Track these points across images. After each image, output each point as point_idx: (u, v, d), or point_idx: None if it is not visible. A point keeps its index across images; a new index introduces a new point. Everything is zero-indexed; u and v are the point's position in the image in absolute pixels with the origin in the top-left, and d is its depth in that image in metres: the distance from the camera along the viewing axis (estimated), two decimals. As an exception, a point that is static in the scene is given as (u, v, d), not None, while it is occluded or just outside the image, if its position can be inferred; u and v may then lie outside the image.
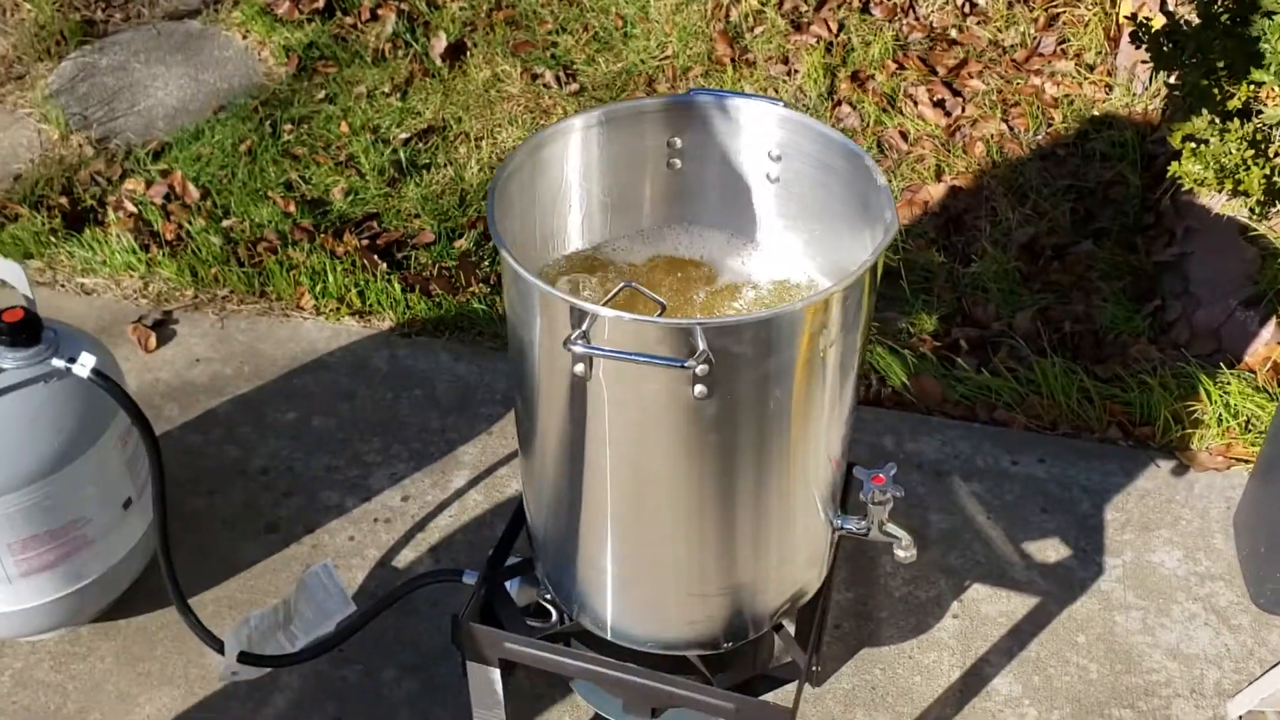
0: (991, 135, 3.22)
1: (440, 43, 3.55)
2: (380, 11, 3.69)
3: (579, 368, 1.27)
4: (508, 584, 1.72)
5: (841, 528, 1.58)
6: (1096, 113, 3.25)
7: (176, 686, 2.04)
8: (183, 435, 2.52)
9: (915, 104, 3.35)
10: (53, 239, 2.92)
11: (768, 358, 1.24)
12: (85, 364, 1.81)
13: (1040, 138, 3.23)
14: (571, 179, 1.48)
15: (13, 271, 1.89)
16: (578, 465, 1.39)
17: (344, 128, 3.29)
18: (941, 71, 3.45)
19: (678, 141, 1.53)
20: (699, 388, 1.24)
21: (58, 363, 1.82)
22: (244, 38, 3.66)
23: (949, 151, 3.20)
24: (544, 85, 3.46)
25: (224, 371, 2.66)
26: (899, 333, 2.78)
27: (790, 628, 1.66)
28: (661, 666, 1.56)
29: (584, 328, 1.22)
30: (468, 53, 3.58)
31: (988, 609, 2.20)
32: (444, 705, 2.01)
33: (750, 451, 1.34)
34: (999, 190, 3.08)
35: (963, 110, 3.32)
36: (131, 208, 3.02)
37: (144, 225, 2.98)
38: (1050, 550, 2.31)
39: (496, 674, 1.63)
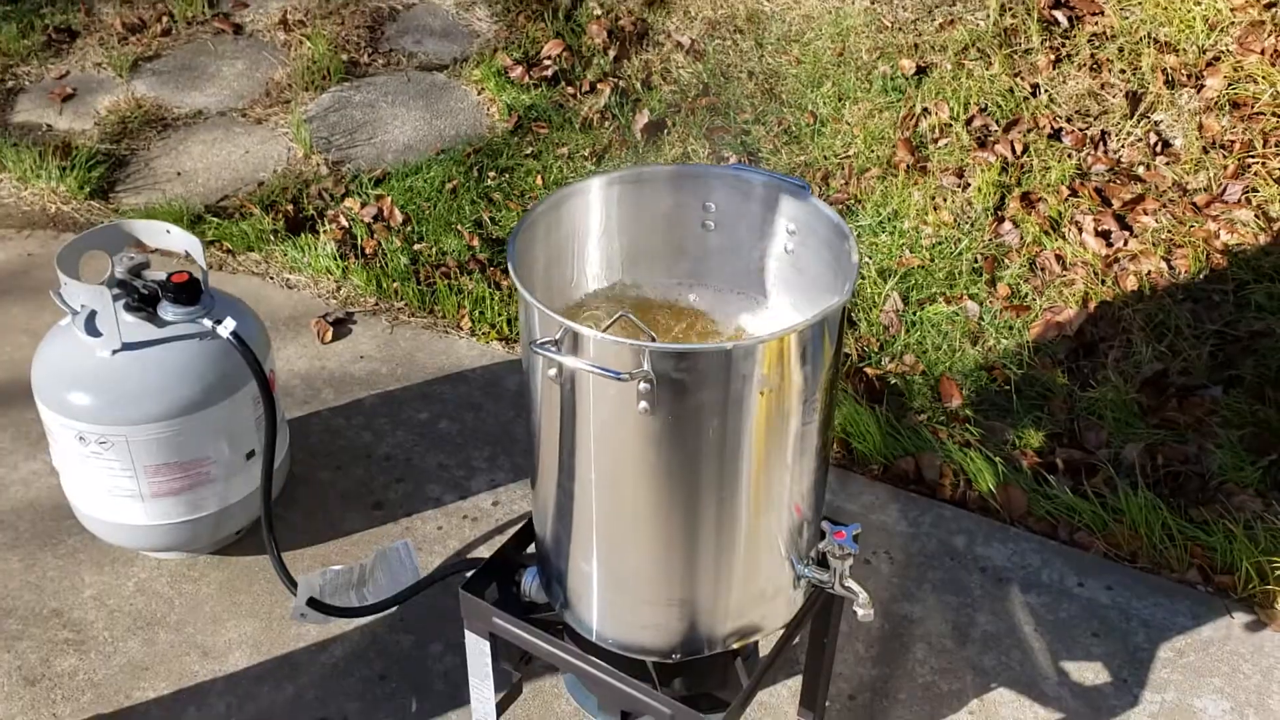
0: (1148, 272, 3.23)
1: (643, 119, 3.88)
2: (600, 86, 4.06)
3: (552, 372, 1.49)
4: (528, 576, 1.92)
5: (807, 576, 1.71)
6: (1264, 266, 3.20)
7: (259, 619, 2.36)
8: (331, 416, 2.88)
9: (1080, 231, 3.39)
10: (273, 238, 3.40)
11: (703, 388, 1.42)
12: (227, 327, 2.18)
13: (1200, 281, 3.21)
14: (598, 228, 1.72)
15: (193, 245, 2.29)
16: (552, 466, 1.60)
17: (539, 181, 3.65)
18: (1115, 204, 3.47)
19: (712, 206, 1.74)
20: (643, 404, 1.43)
21: (206, 322, 2.20)
22: (479, 94, 4.11)
23: (1100, 281, 3.23)
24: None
25: (380, 370, 3.03)
26: (1003, 443, 2.83)
27: (743, 671, 1.79)
28: (627, 669, 1.73)
29: (555, 336, 1.44)
30: (665, 130, 3.89)
31: (1006, 712, 2.23)
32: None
33: (698, 473, 1.50)
34: (1139, 324, 3.08)
35: (1125, 244, 3.34)
36: (344, 222, 3.47)
37: (349, 238, 3.42)
38: (1089, 673, 2.31)
39: (486, 646, 1.84)
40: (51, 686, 2.22)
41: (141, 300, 2.21)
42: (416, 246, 3.39)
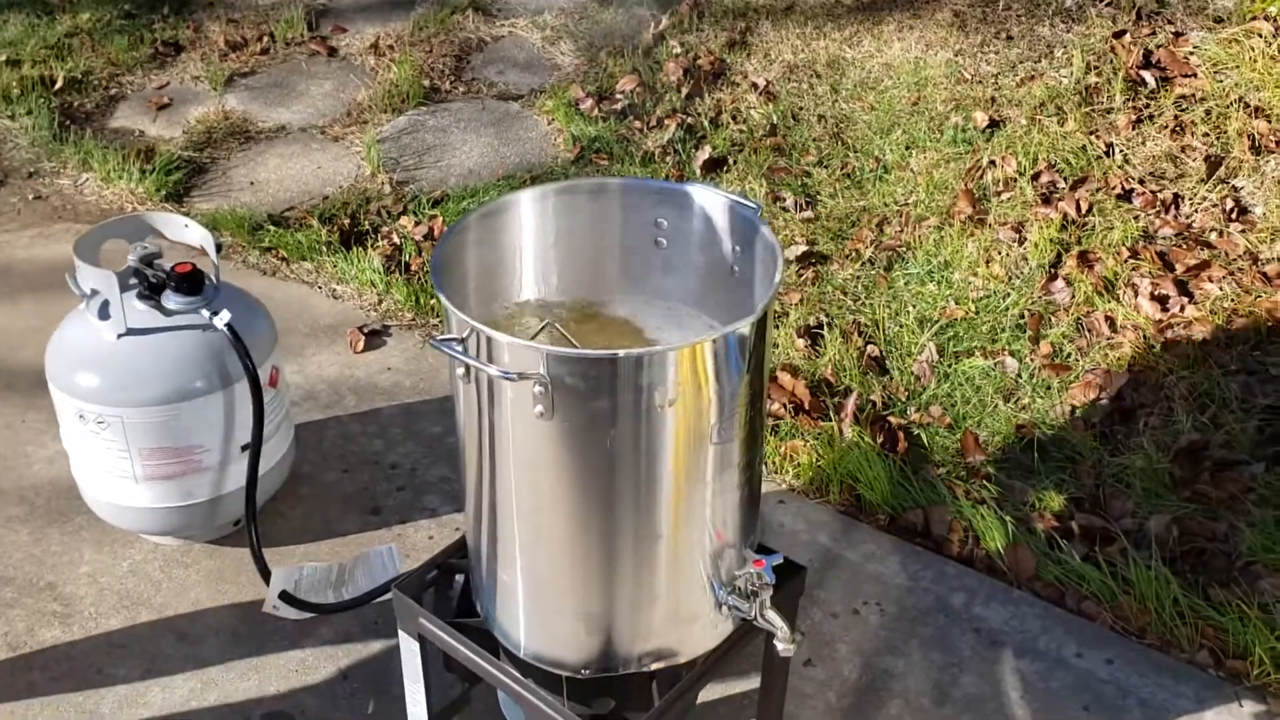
0: (1202, 339, 3.08)
1: (703, 155, 3.89)
2: (667, 121, 4.09)
3: (460, 371, 1.50)
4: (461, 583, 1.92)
5: (727, 603, 1.67)
6: (1330, 340, 3.02)
7: (240, 610, 2.41)
8: (348, 422, 2.94)
9: (1135, 294, 3.25)
10: (325, 249, 3.50)
11: (599, 396, 1.40)
12: (222, 318, 2.25)
13: (1255, 352, 3.04)
14: (540, 240, 1.73)
15: (207, 239, 2.37)
16: (477, 466, 1.60)
17: (590, 209, 3.68)
18: (1179, 269, 3.33)
19: (664, 222, 1.73)
20: (539, 407, 1.42)
21: (204, 313, 2.27)
22: (548, 123, 4.18)
23: (1149, 347, 3.09)
24: (782, 208, 3.69)
25: (404, 383, 3.08)
26: (1022, 503, 2.72)
27: (660, 694, 1.75)
28: (546, 683, 1.71)
29: (462, 335, 1.45)
30: (725, 168, 3.89)
31: (973, 780, 2.13)
32: (434, 692, 2.23)
33: (596, 482, 1.48)
34: (1182, 393, 2.93)
35: (1182, 310, 3.19)
36: (395, 239, 3.55)
37: (398, 254, 3.50)
38: (1072, 748, 2.19)
39: (416, 647, 1.84)
40: (31, 654, 2.30)
41: (150, 288, 2.30)
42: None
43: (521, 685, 1.68)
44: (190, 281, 2.27)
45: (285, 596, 2.31)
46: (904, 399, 3.03)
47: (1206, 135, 3.73)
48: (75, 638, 2.33)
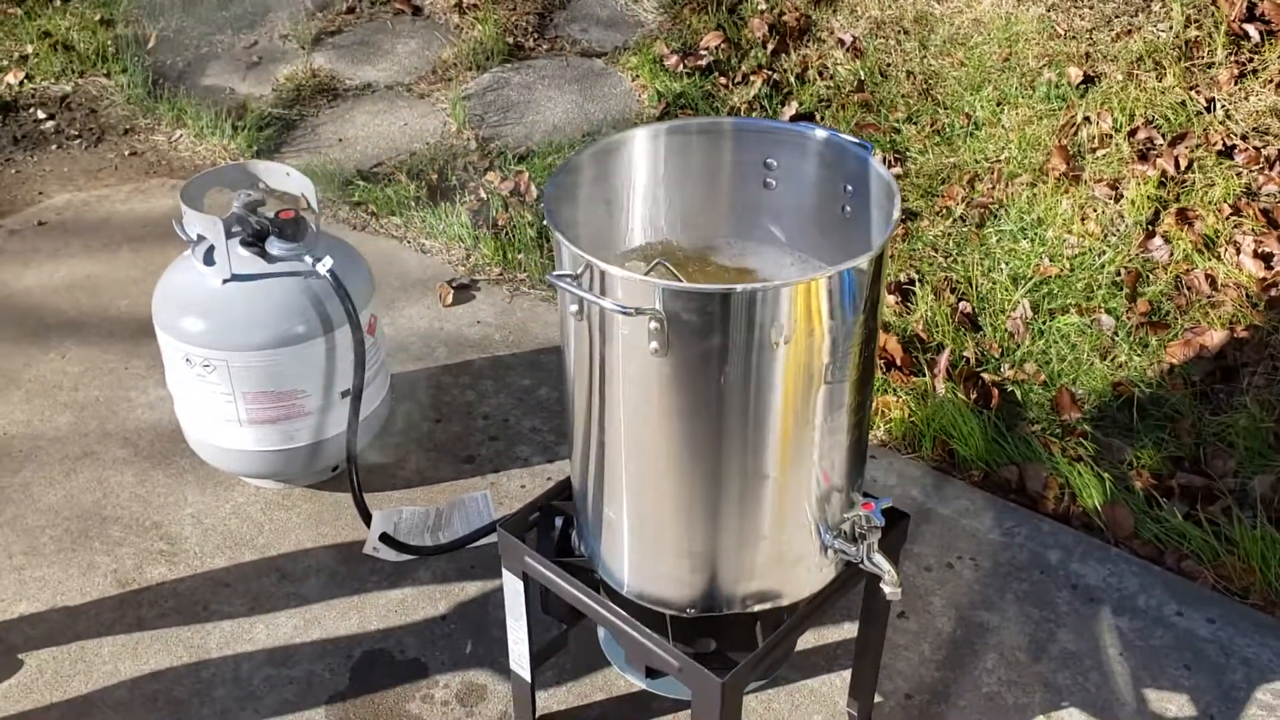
0: (1310, 298, 3.00)
1: (790, 110, 3.85)
2: (753, 77, 4.05)
3: (573, 308, 1.50)
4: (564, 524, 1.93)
5: (833, 547, 1.66)
6: None
7: (339, 551, 2.45)
8: (440, 373, 2.97)
9: (1238, 251, 3.17)
10: (414, 204, 3.53)
11: (713, 332, 1.40)
12: (324, 265, 2.28)
13: (1365, 311, 2.96)
14: (650, 179, 1.72)
15: (307, 187, 2.41)
16: (587, 407, 1.61)
17: (676, 165, 3.67)
18: (1283, 227, 3.24)
19: (774, 163, 1.72)
20: (653, 344, 1.42)
21: (307, 259, 2.30)
22: (632, 80, 4.17)
23: (1252, 306, 3.02)
24: (870, 165, 3.64)
25: (494, 336, 3.10)
26: (1119, 462, 2.68)
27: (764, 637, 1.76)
28: (650, 622, 1.72)
29: (576, 271, 1.45)
30: (813, 123, 3.84)
31: (1073, 733, 2.11)
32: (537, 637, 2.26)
33: (709, 420, 1.48)
34: (1288, 351, 2.86)
35: (1287, 268, 3.11)
36: (482, 194, 3.57)
37: (485, 209, 3.52)
38: (1172, 705, 2.16)
39: (520, 586, 1.86)
40: (140, 590, 2.36)
41: (253, 235, 2.33)
42: (546, 222, 3.45)
43: (626, 623, 1.69)
44: (294, 228, 2.31)
45: (385, 539, 2.35)
46: (997, 355, 2.99)
47: (1313, 90, 3.61)
48: (181, 575, 2.39)
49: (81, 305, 3.19)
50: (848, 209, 1.68)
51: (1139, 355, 2.95)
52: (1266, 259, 3.16)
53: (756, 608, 1.69)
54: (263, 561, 2.43)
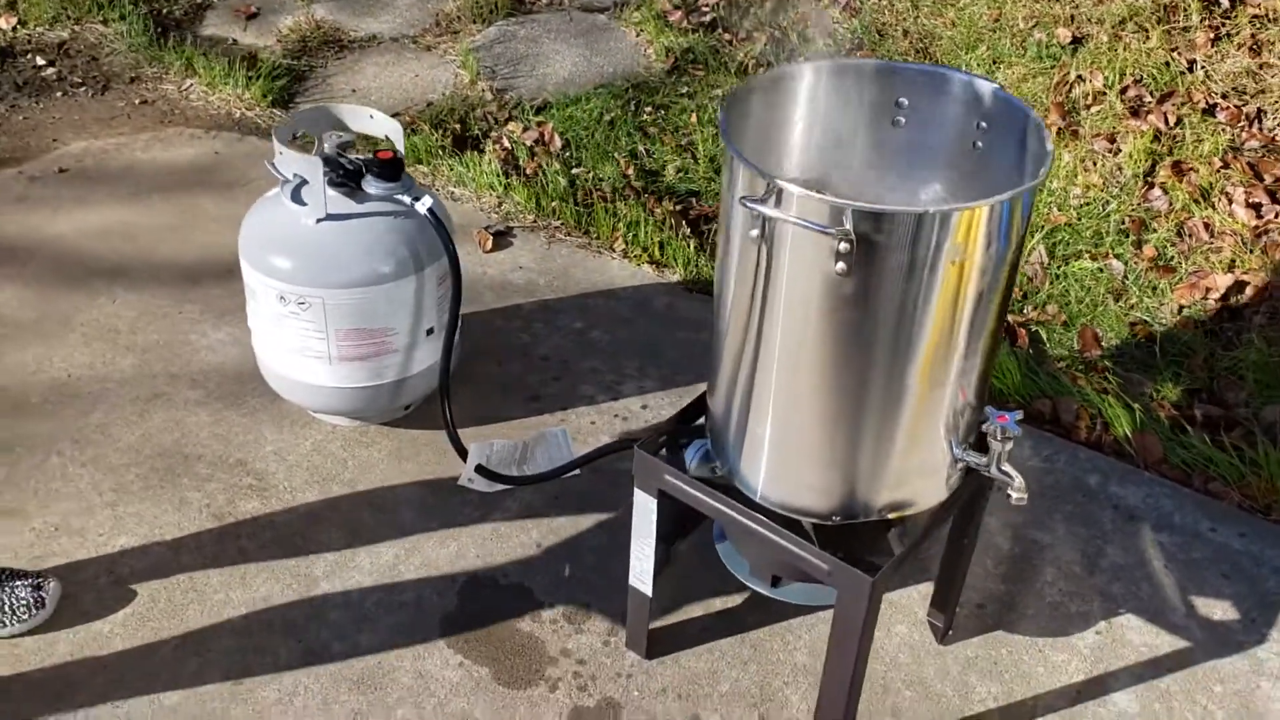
0: (1300, 244, 3.23)
1: (797, 67, 3.97)
2: (756, 34, 4.17)
3: (753, 232, 1.61)
4: (690, 450, 2.05)
5: (963, 458, 1.81)
6: None
7: (425, 485, 2.53)
8: (491, 318, 3.05)
9: (1230, 202, 3.40)
10: (440, 153, 3.58)
11: (900, 250, 1.53)
12: (424, 204, 2.35)
13: (1351, 256, 3.21)
14: (799, 114, 1.84)
15: (394, 129, 2.46)
16: (748, 328, 1.72)
17: (693, 119, 3.78)
18: (1268, 179, 3.47)
19: (904, 102, 1.84)
20: (840, 264, 1.54)
21: (405, 199, 2.36)
22: (636, 35, 4.25)
23: (1249, 251, 3.24)
24: (878, 119, 3.79)
25: (538, 281, 3.18)
26: (1141, 394, 2.88)
27: (896, 542, 1.90)
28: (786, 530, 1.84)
29: (759, 194, 1.56)
30: (819, 80, 3.98)
31: (1133, 636, 2.30)
32: (621, 559, 2.35)
33: (878, 338, 1.61)
34: (1287, 292, 3.09)
35: (1276, 217, 3.34)
36: (506, 144, 3.63)
37: (511, 159, 3.59)
38: (1217, 610, 2.36)
39: (654, 504, 1.97)
40: (237, 524, 2.41)
41: (346, 175, 2.38)
42: (574, 171, 3.54)
43: (772, 530, 1.82)
44: (392, 168, 2.36)
45: (481, 470, 2.44)
46: (1020, 298, 3.17)
47: (1285, 53, 3.85)
48: (274, 509, 2.45)
49: (122, 251, 3.18)
50: (979, 144, 1.81)
51: (1149, 297, 3.16)
52: (1257, 208, 3.39)
53: (891, 515, 1.83)
54: (353, 495, 2.49)
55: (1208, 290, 3.16)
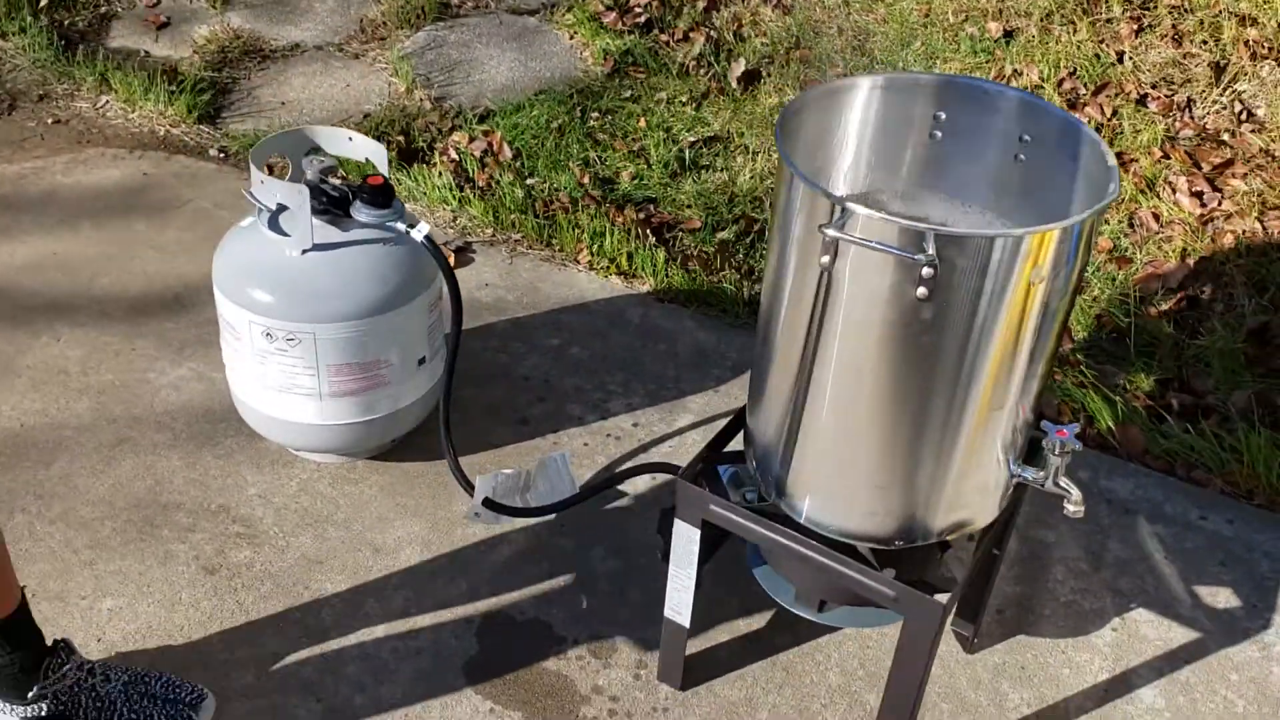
0: (1244, 231, 3.34)
1: (739, 68, 3.95)
2: (692, 34, 4.12)
3: (825, 259, 1.56)
4: (723, 473, 2.00)
5: (1020, 475, 1.80)
6: (1357, 228, 3.32)
7: (425, 520, 2.42)
8: (465, 339, 2.93)
9: (1174, 191, 3.49)
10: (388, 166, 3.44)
11: (984, 274, 1.50)
12: (421, 230, 2.24)
13: (1293, 241, 3.32)
14: (849, 130, 1.80)
15: (377, 152, 2.34)
16: (805, 352, 1.67)
17: (642, 123, 3.71)
18: (1205, 168, 3.58)
19: (942, 115, 1.82)
20: (921, 289, 1.50)
21: (400, 226, 2.25)
22: (570, 38, 4.16)
23: (1198, 238, 3.33)
24: (824, 118, 3.79)
25: (506, 297, 3.09)
26: (1115, 386, 2.93)
27: (952, 563, 1.88)
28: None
29: (838, 218, 1.51)
30: (761, 80, 3.96)
31: (1147, 631, 2.33)
32: (637, 585, 2.31)
33: (948, 360, 1.58)
34: (1240, 279, 3.19)
35: (1219, 205, 3.45)
36: (454, 155, 3.52)
37: (461, 171, 3.47)
38: (1221, 598, 2.42)
39: (697, 534, 1.91)
40: (231, 576, 2.27)
41: (331, 203, 2.26)
42: (529, 181, 3.45)
43: (832, 558, 1.78)
44: (384, 194, 2.25)
45: (489, 503, 2.34)
46: (986, 295, 3.20)
47: (1205, 43, 3.98)
48: (269, 557, 2.31)
49: (59, 285, 2.97)
50: (1022, 157, 1.80)
51: (1109, 289, 3.22)
52: (1199, 196, 3.49)
53: (950, 536, 1.81)
54: (350, 536, 2.37)
55: (1165, 279, 3.23)
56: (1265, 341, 3.03)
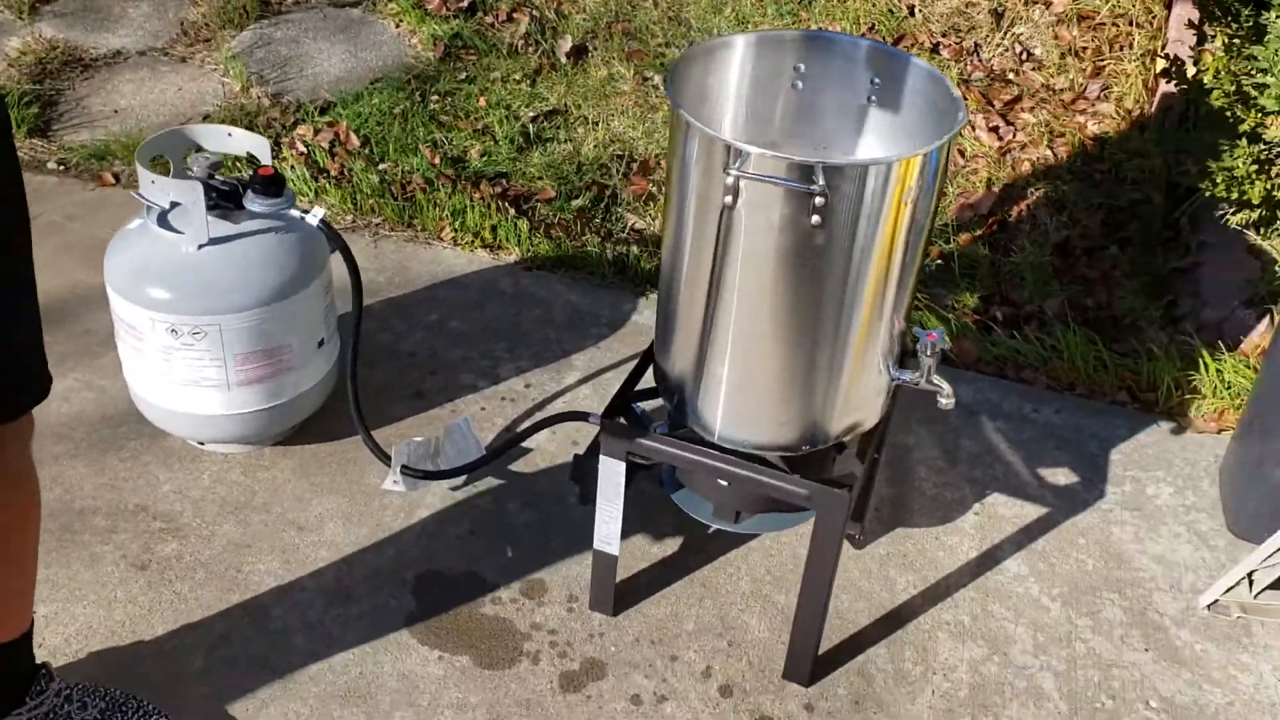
0: (1037, 159, 3.72)
1: (566, 44, 4.11)
2: (516, 15, 4.26)
3: (727, 199, 1.76)
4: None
5: (899, 378, 2.04)
6: (1131, 147, 3.75)
7: (342, 495, 2.52)
8: (345, 319, 3.02)
9: (974, 129, 3.85)
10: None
11: (863, 198, 1.72)
12: (315, 215, 2.33)
13: (1080, 163, 3.73)
14: (728, 85, 2.00)
15: (260, 144, 2.42)
16: (710, 287, 1.87)
17: (482, 102, 3.84)
18: (998, 105, 3.96)
19: (801, 67, 2.04)
20: (815, 217, 1.72)
21: (295, 212, 2.34)
22: (397, 26, 4.24)
23: (999, 168, 3.70)
24: (652, 86, 4.00)
25: (378, 280, 3.18)
26: (945, 306, 3.25)
27: (849, 462, 2.12)
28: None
29: (738, 162, 1.71)
30: (589, 54, 4.14)
31: (1004, 511, 2.65)
32: (556, 531, 2.48)
33: (837, 279, 1.80)
34: (1040, 202, 3.57)
35: (1014, 137, 3.83)
36: (301, 148, 3.57)
37: (312, 162, 3.53)
38: (1061, 476, 2.75)
39: (621, 468, 2.10)
40: (162, 569, 2.32)
41: (221, 196, 2.33)
42: (381, 166, 3.53)
43: (750, 469, 1.99)
44: (275, 184, 2.33)
45: (406, 470, 2.46)
46: (824, 236, 3.48)
47: (983, -8, 4.37)
48: (197, 547, 2.37)
49: (-83, 311, 2.90)
50: (873, 98, 2.04)
51: (930, 220, 3.55)
52: (996, 131, 3.86)
53: (846, 438, 2.05)
54: (272, 519, 2.45)
55: (976, 207, 3.59)
56: (1068, 253, 3.42)
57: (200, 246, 2.30)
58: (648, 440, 2.05)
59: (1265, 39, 2.85)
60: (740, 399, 1.98)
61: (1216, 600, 2.44)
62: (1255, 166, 2.93)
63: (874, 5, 4.31)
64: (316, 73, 3.96)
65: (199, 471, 2.55)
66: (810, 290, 1.83)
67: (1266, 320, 3.06)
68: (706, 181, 1.78)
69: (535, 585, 2.37)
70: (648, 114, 3.90)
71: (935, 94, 1.92)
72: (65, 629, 2.19)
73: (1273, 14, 2.84)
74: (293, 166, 3.45)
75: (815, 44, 2.02)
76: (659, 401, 2.16)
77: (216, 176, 2.35)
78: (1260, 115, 2.92)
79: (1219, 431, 2.90)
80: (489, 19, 4.25)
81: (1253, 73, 2.92)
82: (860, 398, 2.01)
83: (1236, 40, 3.11)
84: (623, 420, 2.10)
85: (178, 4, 4.26)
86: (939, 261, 3.40)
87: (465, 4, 4.26)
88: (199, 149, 2.41)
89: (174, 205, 2.29)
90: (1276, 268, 3.07)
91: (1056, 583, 2.48)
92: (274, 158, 3.29)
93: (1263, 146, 2.95)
